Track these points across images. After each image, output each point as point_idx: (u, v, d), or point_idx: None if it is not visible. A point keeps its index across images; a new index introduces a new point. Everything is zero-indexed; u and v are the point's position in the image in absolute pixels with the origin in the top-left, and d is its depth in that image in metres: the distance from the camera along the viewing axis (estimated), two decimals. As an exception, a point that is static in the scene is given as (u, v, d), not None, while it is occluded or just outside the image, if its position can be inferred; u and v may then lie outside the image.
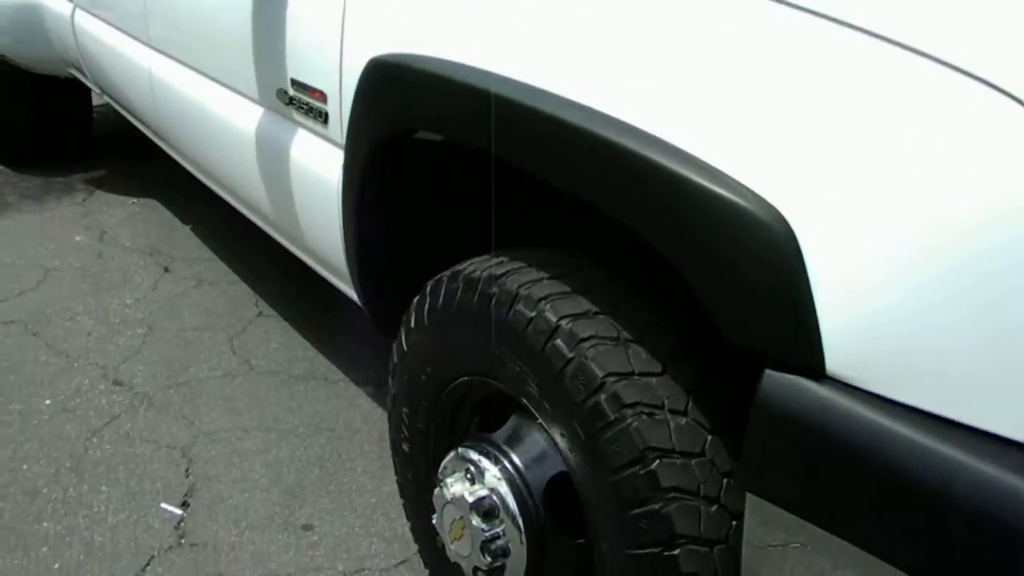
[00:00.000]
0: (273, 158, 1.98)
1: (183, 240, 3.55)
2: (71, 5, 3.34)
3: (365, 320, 2.19)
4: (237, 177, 2.24)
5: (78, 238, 3.59)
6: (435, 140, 1.55)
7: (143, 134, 3.38)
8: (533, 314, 1.28)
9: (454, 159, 1.56)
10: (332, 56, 1.67)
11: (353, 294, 1.90)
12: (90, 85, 3.59)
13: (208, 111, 2.26)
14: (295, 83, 1.82)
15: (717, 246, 1.03)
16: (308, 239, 1.97)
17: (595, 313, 1.27)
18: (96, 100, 4.28)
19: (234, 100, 2.12)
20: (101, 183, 4.18)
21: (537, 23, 1.29)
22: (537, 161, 1.28)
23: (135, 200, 3.97)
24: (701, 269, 1.06)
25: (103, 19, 2.99)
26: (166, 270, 3.30)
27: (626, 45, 1.18)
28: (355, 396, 2.51)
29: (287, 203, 1.97)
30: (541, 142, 1.24)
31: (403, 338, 1.57)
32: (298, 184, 1.90)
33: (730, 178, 1.02)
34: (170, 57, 2.44)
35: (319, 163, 1.80)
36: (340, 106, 1.69)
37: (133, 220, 3.76)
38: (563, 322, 1.26)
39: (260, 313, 2.96)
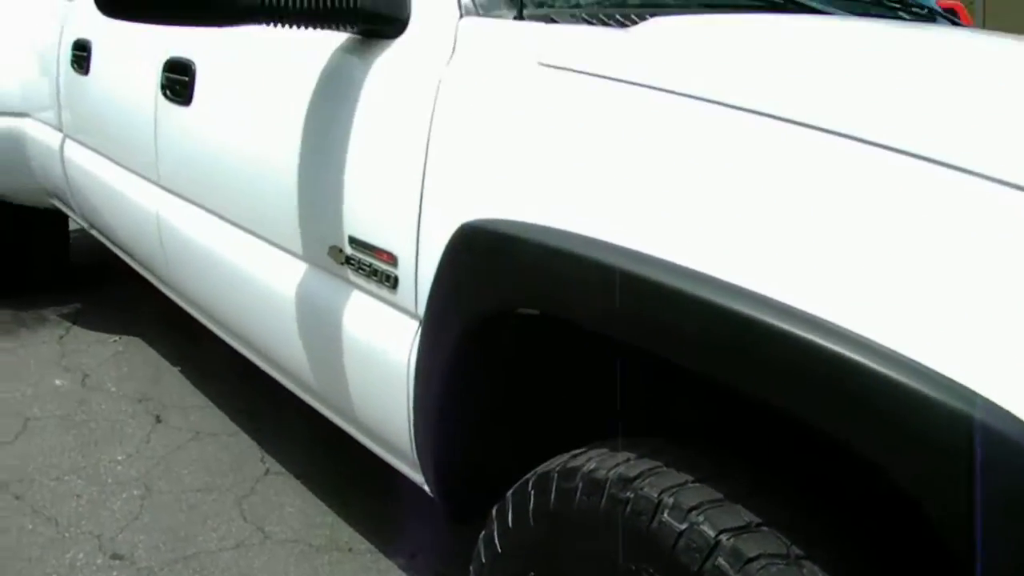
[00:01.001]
0: (320, 322, 1.81)
1: (174, 384, 3.32)
2: (60, 135, 3.19)
3: (386, 480, 2.00)
4: (267, 336, 2.05)
5: (58, 382, 3.34)
6: (535, 315, 1.40)
7: (122, 265, 3.20)
8: (684, 527, 1.12)
9: (556, 335, 1.41)
10: (407, 216, 1.53)
11: (413, 474, 1.70)
12: (77, 220, 3.40)
13: (232, 263, 2.09)
14: (355, 241, 1.67)
15: (902, 430, 0.90)
16: (359, 411, 1.78)
17: (758, 525, 1.11)
18: (72, 226, 4.11)
19: (268, 252, 1.96)
20: (77, 318, 3.95)
21: (677, 194, 1.17)
22: (678, 346, 1.14)
23: (116, 338, 3.74)
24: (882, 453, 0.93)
25: (100, 152, 2.83)
26: (158, 419, 3.06)
27: (776, 220, 1.06)
28: (386, 570, 2.28)
29: (333, 371, 1.79)
30: (691, 328, 1.10)
31: (496, 537, 1.38)
32: (352, 353, 1.72)
33: (909, 360, 0.90)
34: (185, 199, 2.28)
35: (383, 332, 1.63)
36: (415, 272, 1.54)
37: (117, 361, 3.52)
38: (723, 537, 1.09)
39: (268, 471, 2.73)
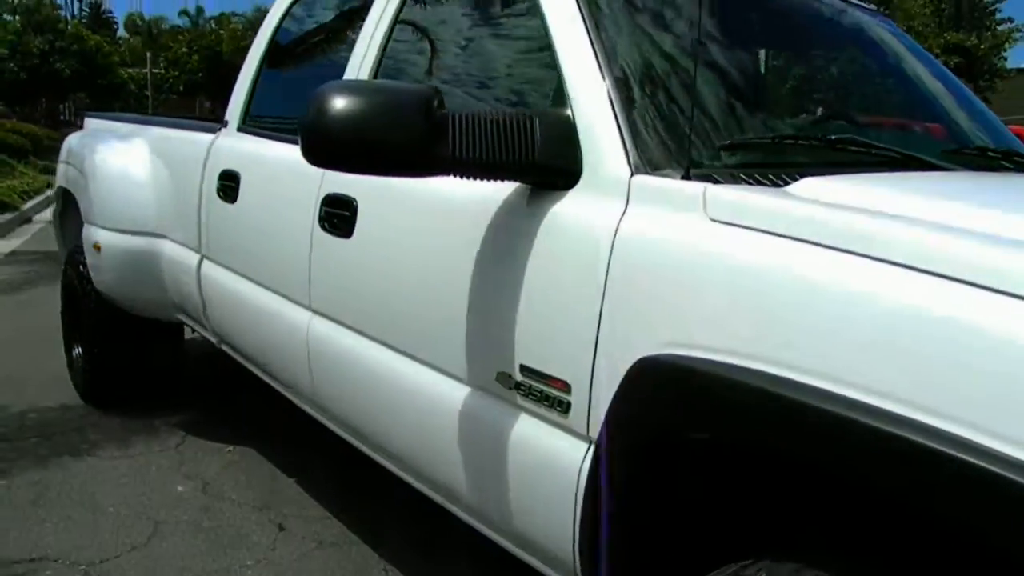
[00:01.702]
0: (482, 440, 1.95)
1: (293, 495, 3.46)
2: (197, 256, 3.43)
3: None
4: (422, 451, 2.19)
5: (180, 488, 3.51)
6: (704, 438, 1.54)
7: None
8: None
9: (723, 456, 1.54)
10: (583, 349, 1.69)
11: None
12: (206, 335, 3.62)
13: (389, 383, 2.26)
14: (526, 369, 1.83)
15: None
16: (519, 524, 1.91)
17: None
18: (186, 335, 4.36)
19: (428, 375, 2.13)
20: (191, 427, 4.14)
21: (847, 334, 1.31)
22: (852, 465, 1.28)
23: (231, 448, 3.91)
24: None
25: (244, 275, 3.05)
26: (281, 528, 3.19)
27: (928, 358, 1.20)
28: None
29: (494, 486, 1.93)
30: (893, 462, 1.23)
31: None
32: (516, 470, 1.86)
33: None
34: (339, 323, 2.47)
35: (551, 451, 1.78)
36: (589, 399, 1.69)
37: (234, 470, 3.69)
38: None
39: (391, 580, 2.84)
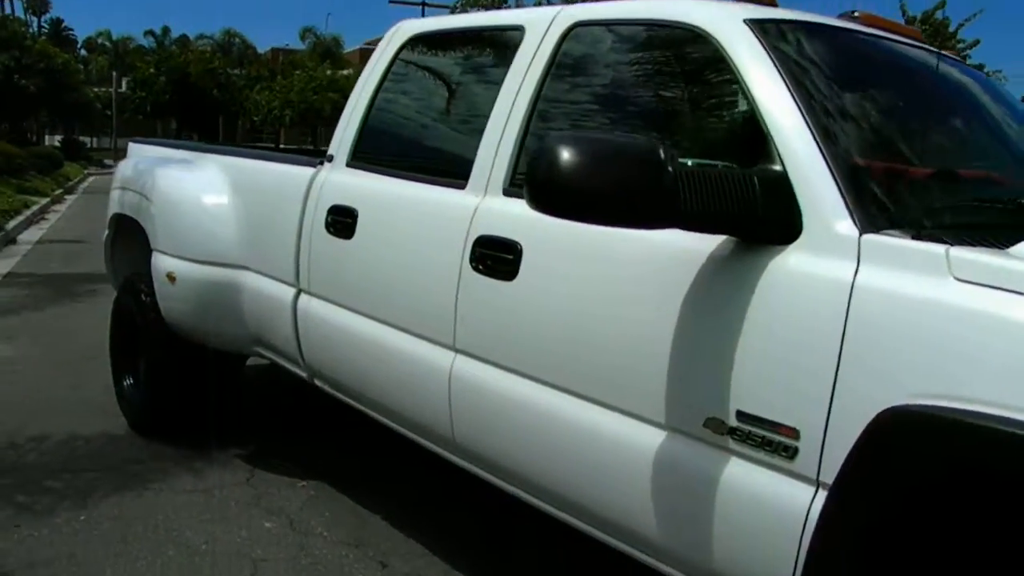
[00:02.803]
0: (685, 484, 1.98)
1: (384, 530, 3.43)
2: (292, 290, 3.40)
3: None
4: (603, 497, 2.20)
5: (267, 524, 3.46)
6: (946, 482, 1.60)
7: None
8: None
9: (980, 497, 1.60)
10: (816, 397, 1.74)
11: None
12: (295, 371, 3.58)
13: (560, 427, 2.26)
14: (744, 415, 1.87)
15: None
16: (725, 563, 1.93)
17: None
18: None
19: (608, 418, 2.15)
20: (255, 460, 4.09)
21: None
22: None
23: (304, 483, 3.87)
24: None
25: (358, 311, 3.03)
26: (383, 565, 3.17)
27: None
28: None
29: (696, 528, 1.96)
30: None
31: None
32: (728, 512, 1.89)
33: None
34: (496, 365, 2.47)
35: (772, 495, 1.82)
36: (821, 445, 1.74)
37: (316, 505, 3.65)
38: None
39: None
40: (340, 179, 3.22)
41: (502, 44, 2.86)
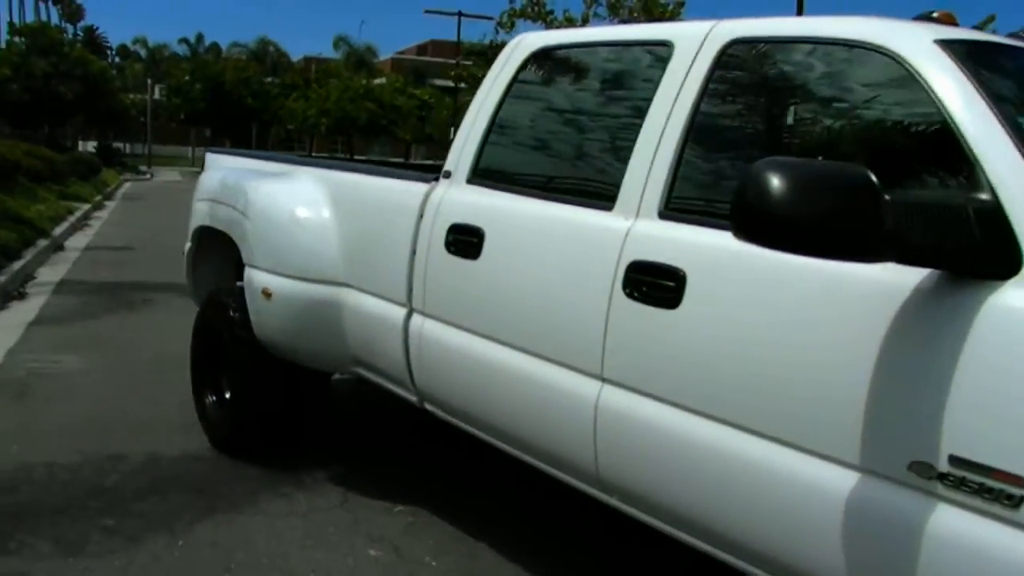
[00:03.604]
0: (885, 529, 1.84)
1: (493, 561, 3.30)
2: (402, 310, 3.28)
3: None
4: (784, 539, 2.06)
5: (372, 553, 3.34)
6: None
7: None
8: None
9: None
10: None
11: None
12: (401, 393, 3.45)
13: (732, 465, 2.13)
14: (959, 461, 1.73)
15: None
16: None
17: None
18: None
19: (789, 457, 2.02)
20: (347, 481, 3.97)
21: None
22: None
23: (400, 507, 3.75)
24: None
25: (482, 334, 2.89)
26: (499, 599, 3.04)
27: None
28: None
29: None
30: None
31: None
32: (937, 561, 1.76)
33: None
34: (649, 396, 2.34)
35: (991, 545, 1.69)
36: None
37: (417, 532, 3.52)
38: None
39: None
40: (461, 197, 3.10)
41: (646, 60, 2.74)
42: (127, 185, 28.01)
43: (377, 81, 40.50)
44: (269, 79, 43.18)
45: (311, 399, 4.18)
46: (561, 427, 2.62)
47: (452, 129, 38.36)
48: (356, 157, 19.43)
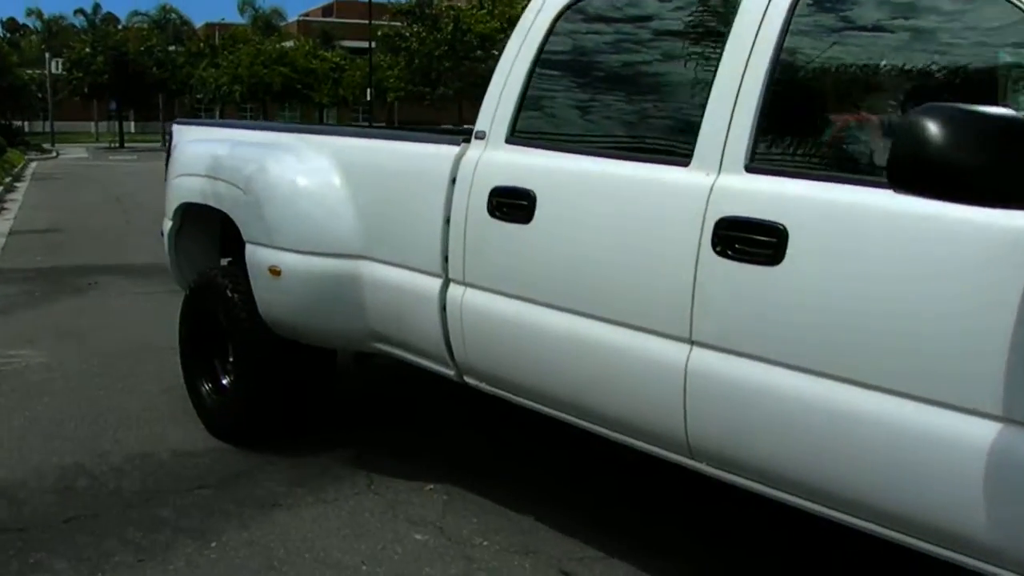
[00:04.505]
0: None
1: (545, 533, 3.18)
2: (437, 280, 3.09)
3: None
4: (927, 501, 1.98)
5: (419, 537, 3.19)
6: None
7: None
8: None
9: None
10: None
11: None
12: (437, 369, 3.27)
13: (864, 425, 2.03)
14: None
15: None
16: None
17: None
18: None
19: (929, 414, 1.94)
20: (367, 463, 3.80)
21: None
22: None
23: (431, 485, 3.60)
24: None
25: (542, 303, 2.72)
26: (564, 573, 2.93)
27: None
28: None
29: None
30: None
31: None
32: None
33: None
34: (752, 358, 2.23)
35: None
36: None
37: (456, 510, 3.38)
38: None
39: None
40: (502, 158, 2.92)
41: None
42: (34, 165, 26.71)
43: (287, 44, 39.34)
44: (173, 47, 41.45)
45: (319, 379, 3.97)
46: (643, 393, 2.50)
47: (369, 90, 37.68)
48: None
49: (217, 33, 46.18)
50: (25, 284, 7.97)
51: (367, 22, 35.72)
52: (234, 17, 51.24)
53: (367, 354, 3.84)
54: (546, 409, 2.89)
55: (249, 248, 3.67)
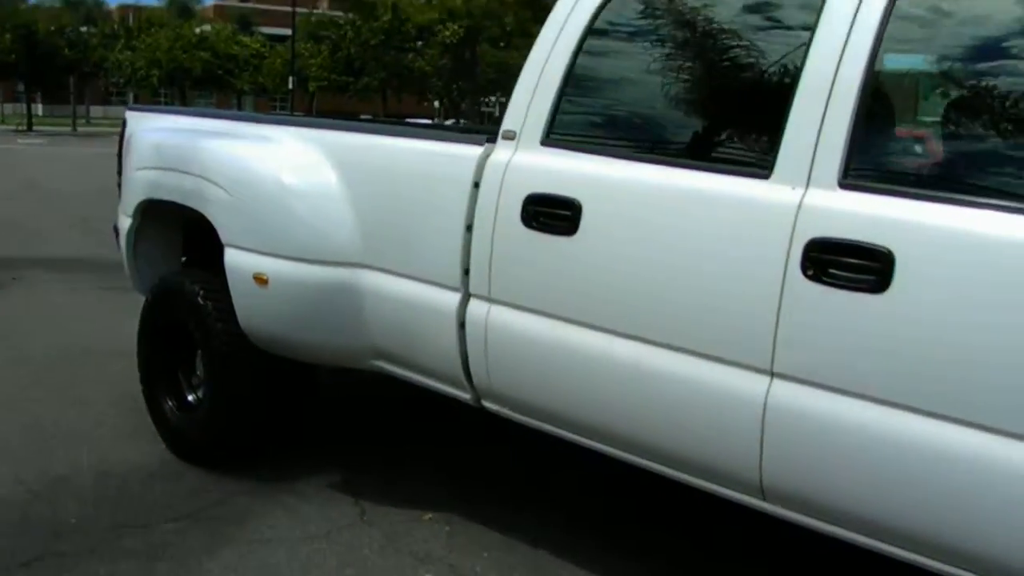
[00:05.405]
0: None
1: (558, 569, 2.93)
2: (455, 294, 2.79)
3: None
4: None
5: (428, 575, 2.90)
6: None
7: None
8: None
9: None
10: None
11: None
12: (450, 391, 2.97)
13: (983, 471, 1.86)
14: None
15: None
16: None
17: None
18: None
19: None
20: (355, 489, 3.49)
21: None
22: None
23: (429, 515, 3.30)
24: None
25: (597, 327, 2.45)
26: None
27: None
28: None
29: None
30: None
31: None
32: None
33: None
34: (851, 395, 2.01)
35: None
36: None
37: (460, 544, 3.09)
38: None
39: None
40: (538, 162, 2.63)
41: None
42: (-67, 149, 25.15)
43: (205, 27, 38.08)
44: (86, 28, 39.64)
45: (299, 395, 3.64)
46: (710, 429, 2.26)
47: (291, 79, 36.65)
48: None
49: (132, 15, 44.39)
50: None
51: (288, 9, 34.77)
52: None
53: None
54: (586, 440, 2.62)
55: (229, 252, 3.31)
